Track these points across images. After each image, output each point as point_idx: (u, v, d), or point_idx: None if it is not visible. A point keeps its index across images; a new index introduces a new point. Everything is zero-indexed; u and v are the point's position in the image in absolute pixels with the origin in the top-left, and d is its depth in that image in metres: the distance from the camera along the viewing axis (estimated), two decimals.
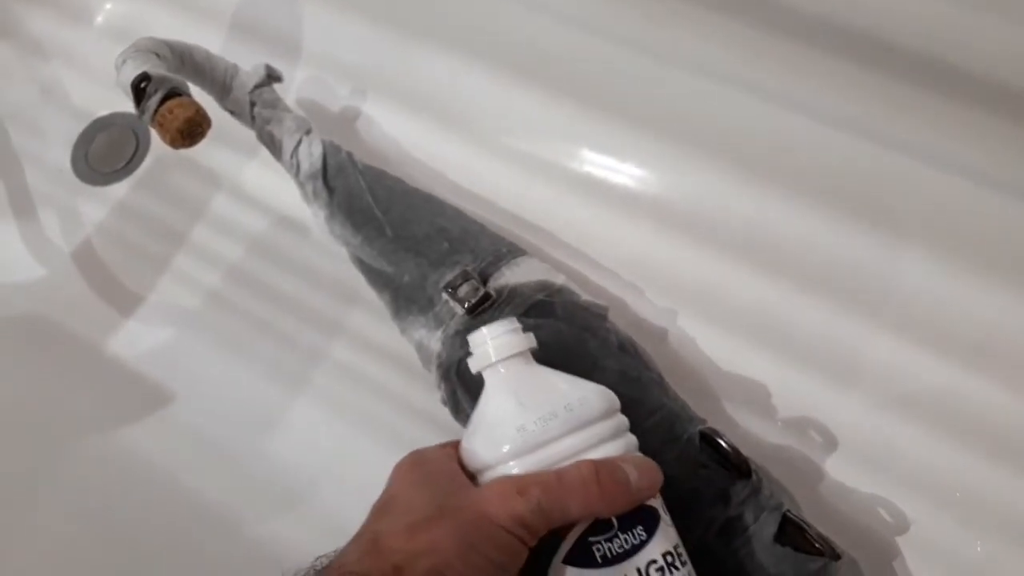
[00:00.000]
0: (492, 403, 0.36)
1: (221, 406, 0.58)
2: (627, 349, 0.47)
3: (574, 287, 0.49)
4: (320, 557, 0.31)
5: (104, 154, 0.69)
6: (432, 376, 0.49)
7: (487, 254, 0.48)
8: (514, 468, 0.33)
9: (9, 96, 0.72)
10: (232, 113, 0.56)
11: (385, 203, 0.51)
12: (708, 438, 0.43)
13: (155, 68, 0.49)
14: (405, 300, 0.49)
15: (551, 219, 0.60)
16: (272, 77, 0.56)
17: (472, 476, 0.34)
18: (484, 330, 0.37)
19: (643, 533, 0.33)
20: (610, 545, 0.32)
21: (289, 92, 0.64)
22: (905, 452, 0.49)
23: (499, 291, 0.46)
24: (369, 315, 0.58)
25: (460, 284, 0.46)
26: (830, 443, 0.51)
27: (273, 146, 0.55)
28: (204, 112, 0.49)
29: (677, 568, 0.33)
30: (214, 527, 0.55)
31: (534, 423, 0.33)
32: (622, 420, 0.36)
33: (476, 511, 0.31)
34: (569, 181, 0.61)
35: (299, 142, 0.54)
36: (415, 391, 0.56)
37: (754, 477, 0.42)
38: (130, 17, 0.70)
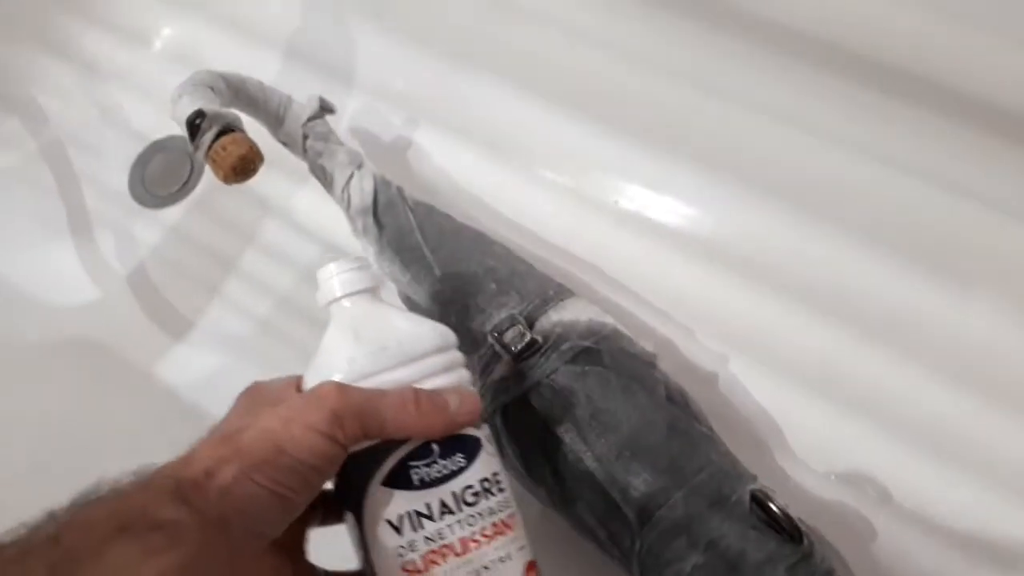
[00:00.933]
0: (331, 336, 0.37)
1: None
2: (676, 400, 0.45)
3: (623, 331, 0.48)
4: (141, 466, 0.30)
5: (160, 177, 0.70)
6: None
7: (534, 296, 0.48)
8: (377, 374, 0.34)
9: (70, 117, 0.74)
10: (285, 144, 0.57)
11: (434, 241, 0.51)
12: (759, 500, 0.41)
13: (210, 104, 0.49)
14: None
15: (601, 255, 0.59)
16: (325, 109, 0.56)
17: None
18: (332, 265, 0.37)
19: (463, 460, 0.34)
20: (428, 470, 0.33)
21: (342, 120, 0.64)
22: (971, 516, 0.47)
23: (546, 336, 0.45)
24: None
25: (507, 329, 0.46)
26: (887, 501, 0.49)
27: (325, 179, 0.55)
28: (257, 149, 0.49)
29: (493, 494, 0.35)
30: None
31: (364, 355, 0.34)
32: (455, 356, 0.38)
33: (289, 414, 0.31)
34: (621, 217, 0.60)
35: (351, 176, 0.54)
36: None
37: (805, 542, 0.40)
38: (187, 42, 0.71)
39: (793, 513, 0.41)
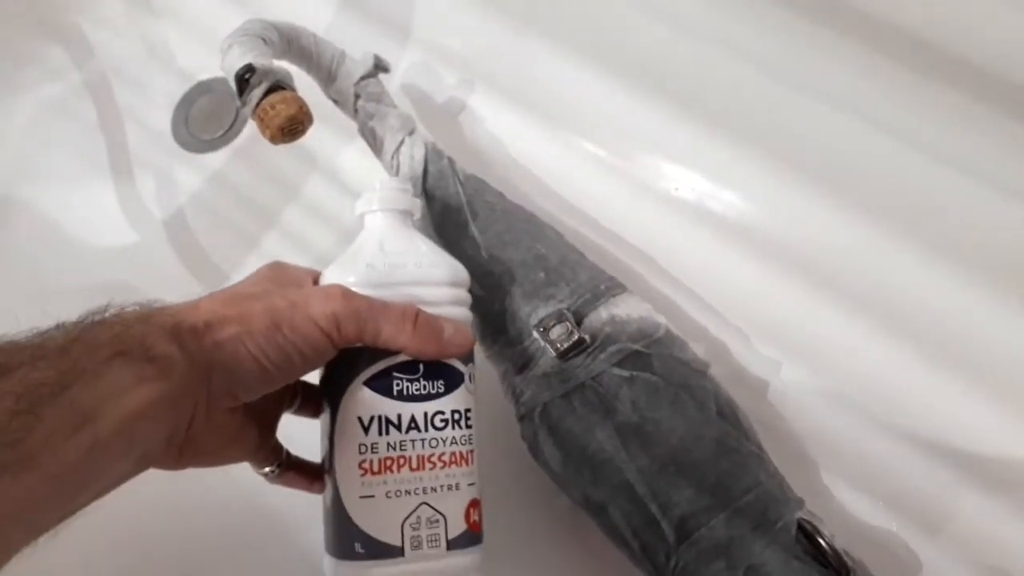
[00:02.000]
0: (358, 242, 0.39)
1: None
2: (726, 414, 0.43)
3: (675, 333, 0.46)
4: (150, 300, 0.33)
5: (204, 120, 0.68)
6: (511, 409, 0.47)
7: (585, 290, 0.45)
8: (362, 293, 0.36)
9: (115, 50, 0.71)
10: (335, 102, 0.54)
11: (483, 220, 0.48)
12: (806, 531, 0.39)
13: (260, 57, 0.47)
14: (494, 328, 0.46)
15: (655, 244, 0.56)
16: (379, 68, 0.54)
17: None
18: (377, 182, 0.40)
19: (442, 387, 0.37)
20: (409, 384, 0.36)
21: (394, 76, 0.61)
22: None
23: (594, 335, 0.43)
24: None
25: (553, 325, 0.43)
26: (938, 532, 0.47)
27: (374, 143, 0.52)
28: (307, 108, 0.46)
29: (460, 426, 0.37)
30: (271, 523, 0.54)
31: (382, 265, 0.37)
32: (463, 295, 0.40)
33: (296, 300, 0.33)
34: (679, 206, 0.56)
35: (401, 142, 0.51)
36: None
37: None
38: None
39: (839, 545, 0.39)
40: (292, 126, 0.46)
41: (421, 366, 0.36)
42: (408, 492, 0.36)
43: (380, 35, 0.65)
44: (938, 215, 0.49)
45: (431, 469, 0.36)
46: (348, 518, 0.35)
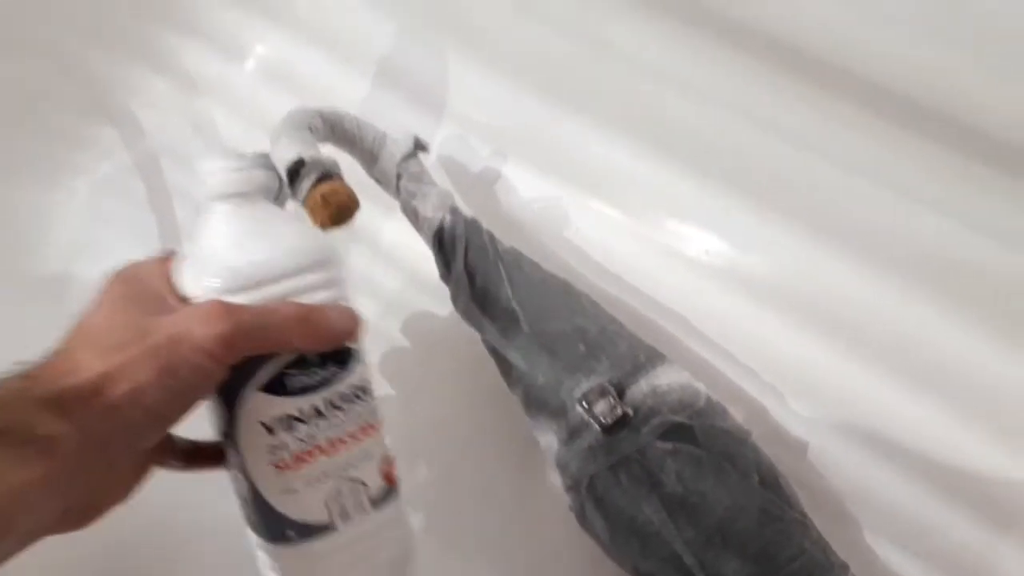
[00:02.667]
0: (212, 234, 0.37)
1: None
2: (769, 482, 0.44)
3: (715, 401, 0.47)
4: (17, 363, 0.31)
5: None
6: (558, 479, 0.48)
7: (625, 361, 0.47)
8: (228, 300, 0.34)
9: (163, 130, 0.75)
10: (378, 182, 0.56)
11: (522, 293, 0.50)
12: None
13: (309, 148, 0.49)
14: (537, 401, 0.48)
15: (688, 307, 0.57)
16: (419, 147, 0.56)
17: (183, 299, 0.35)
18: (221, 161, 0.37)
19: (336, 368, 0.37)
20: (304, 378, 0.36)
21: (430, 149, 0.64)
22: None
23: (636, 408, 0.45)
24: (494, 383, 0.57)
25: (597, 399, 0.45)
26: None
27: (416, 221, 0.55)
28: (354, 196, 0.49)
29: (361, 399, 0.38)
30: None
31: (247, 265, 0.35)
32: (335, 273, 0.39)
33: (176, 331, 0.32)
34: (710, 268, 0.58)
35: (442, 220, 0.53)
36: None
37: None
38: (279, 61, 0.71)
39: None
40: (341, 214, 0.48)
41: (312, 356, 0.36)
42: (326, 474, 0.37)
43: (414, 108, 0.68)
44: (965, 273, 0.50)
45: (343, 448, 0.37)
46: (272, 509, 0.36)
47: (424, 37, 0.68)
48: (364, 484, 0.38)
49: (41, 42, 0.72)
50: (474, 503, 0.59)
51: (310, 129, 0.52)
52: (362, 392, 0.38)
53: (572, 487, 0.46)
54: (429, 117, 0.68)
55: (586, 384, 0.46)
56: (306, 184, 0.48)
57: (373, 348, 0.62)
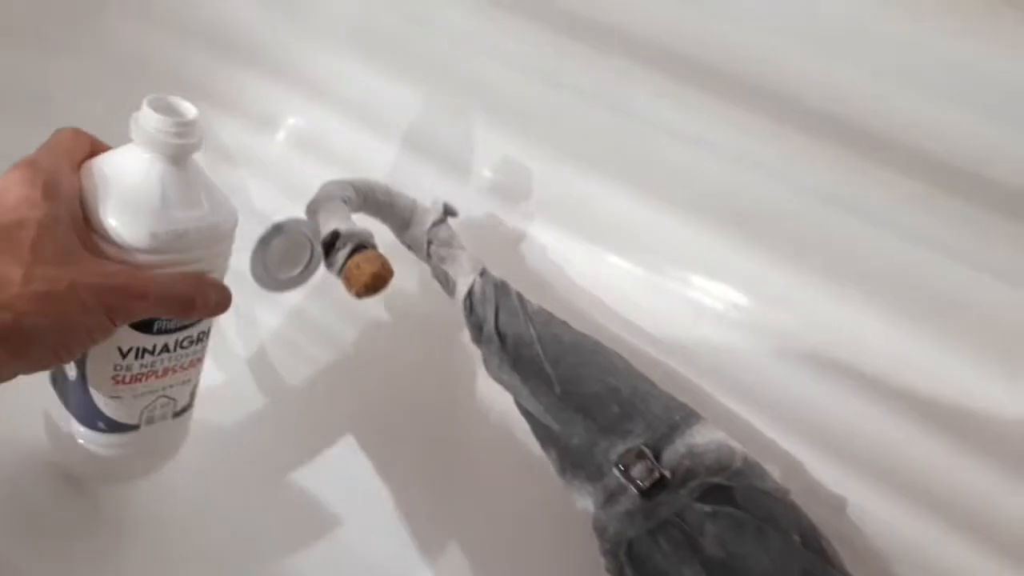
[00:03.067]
0: (141, 185, 0.37)
1: (386, 533, 0.59)
2: (810, 543, 0.44)
3: (752, 461, 0.47)
4: None
5: (280, 260, 0.72)
6: (595, 542, 0.48)
7: (660, 423, 0.47)
8: (139, 258, 0.37)
9: None
10: (409, 248, 0.58)
11: (554, 355, 0.51)
12: None
13: (343, 221, 0.51)
14: (572, 463, 0.48)
15: (719, 362, 0.58)
16: (448, 213, 0.57)
17: (95, 232, 0.37)
18: (162, 118, 0.37)
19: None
20: (167, 323, 0.40)
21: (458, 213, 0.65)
22: None
23: (674, 470, 0.45)
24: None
25: (634, 462, 0.45)
26: None
27: (447, 285, 0.56)
28: (388, 266, 0.50)
29: (201, 341, 0.43)
30: None
31: (166, 233, 0.37)
32: (229, 246, 0.42)
33: (87, 299, 0.34)
34: (742, 326, 0.58)
35: (472, 284, 0.54)
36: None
37: None
38: (310, 131, 0.74)
39: None
40: (375, 282, 0.50)
41: None
42: (151, 392, 0.43)
43: (442, 172, 0.69)
44: (1003, 327, 0.50)
45: (172, 375, 0.43)
46: (94, 405, 0.42)
47: (449, 104, 0.70)
48: (175, 400, 0.45)
49: (67, 119, 0.74)
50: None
51: (344, 201, 0.53)
52: (204, 335, 0.43)
53: (610, 551, 0.46)
54: (455, 180, 0.69)
55: (622, 446, 0.46)
56: (341, 255, 0.50)
57: (411, 414, 0.64)
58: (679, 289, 0.60)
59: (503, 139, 0.68)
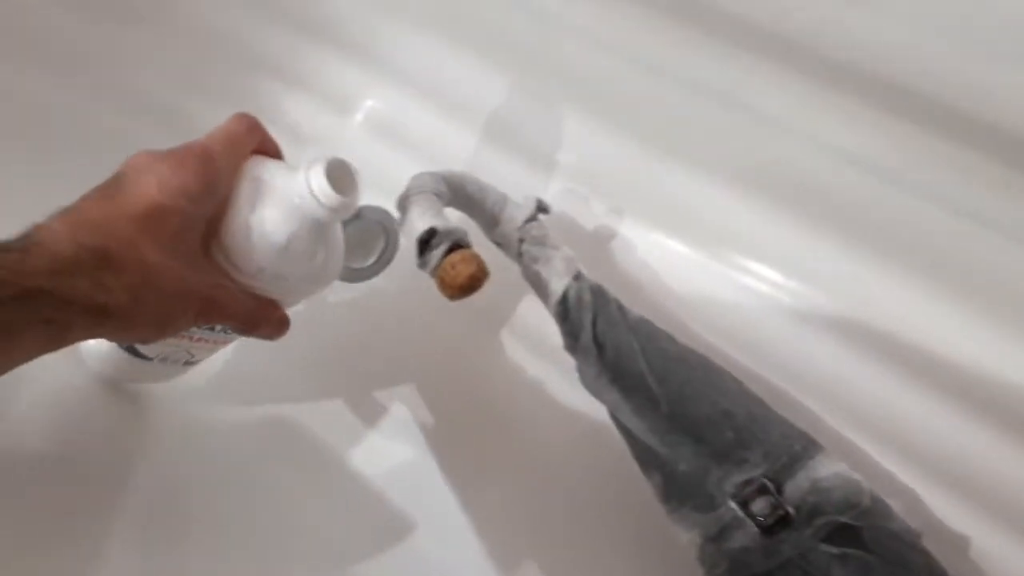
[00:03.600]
0: (276, 225, 0.38)
1: (459, 542, 0.56)
2: None
3: (880, 499, 0.43)
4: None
5: (353, 248, 0.69)
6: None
7: (780, 452, 0.43)
8: (233, 274, 0.38)
9: None
10: (498, 245, 0.54)
11: (660, 371, 0.47)
12: None
13: (438, 216, 0.48)
14: (679, 490, 0.45)
15: (830, 380, 0.53)
16: (541, 210, 0.54)
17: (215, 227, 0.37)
18: (329, 193, 0.37)
19: None
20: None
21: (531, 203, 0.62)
22: None
23: (798, 506, 0.41)
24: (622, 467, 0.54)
25: (755, 496, 0.41)
26: None
27: (539, 287, 0.52)
28: (484, 266, 0.47)
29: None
30: None
31: (271, 274, 0.38)
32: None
33: (200, 301, 0.36)
34: (848, 332, 0.54)
35: (567, 288, 0.50)
36: None
37: None
38: (389, 115, 0.70)
39: None
40: (471, 284, 0.46)
41: None
42: (179, 347, 0.45)
43: (525, 163, 0.66)
44: None
45: (204, 344, 0.45)
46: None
47: (536, 91, 0.66)
48: (193, 357, 0.48)
49: (137, 90, 0.71)
50: None
51: (437, 195, 0.50)
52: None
53: None
54: (540, 172, 0.66)
55: (738, 476, 0.42)
56: (437, 254, 0.47)
57: (482, 417, 0.61)
58: (787, 300, 0.56)
59: (594, 129, 0.64)
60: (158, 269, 0.33)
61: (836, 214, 0.54)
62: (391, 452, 0.60)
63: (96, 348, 0.48)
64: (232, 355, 0.60)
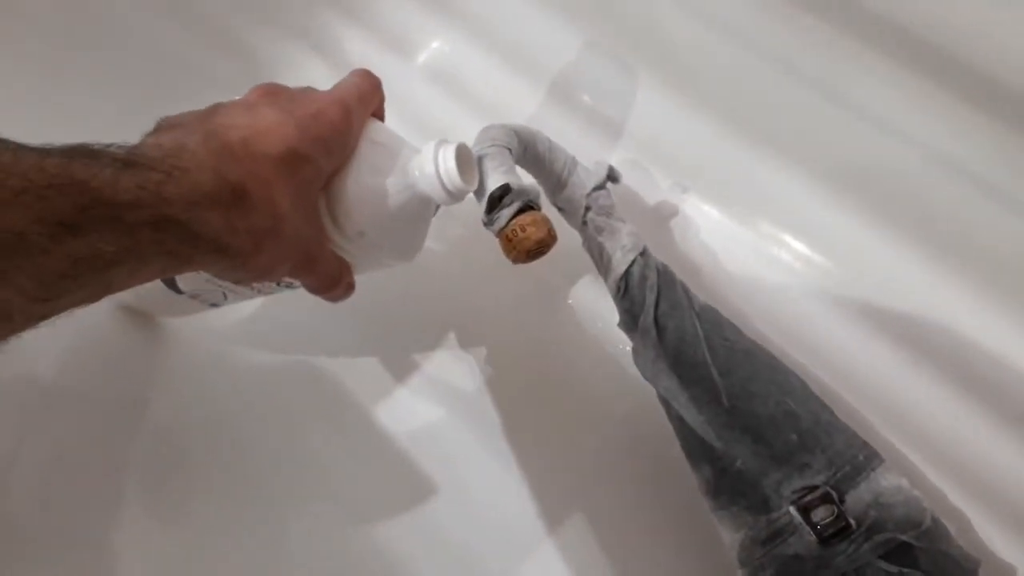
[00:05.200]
0: (388, 195, 0.38)
1: (480, 518, 0.54)
2: None
3: (940, 521, 0.41)
4: None
5: None
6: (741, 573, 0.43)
7: (843, 460, 0.41)
8: (329, 232, 0.37)
9: None
10: (561, 211, 0.52)
11: (723, 362, 0.45)
12: None
13: (511, 172, 0.45)
14: (731, 488, 0.43)
15: (884, 384, 0.52)
16: (611, 178, 0.51)
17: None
18: (456, 179, 0.37)
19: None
20: None
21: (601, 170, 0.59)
22: None
23: (859, 519, 0.39)
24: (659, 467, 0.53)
25: (817, 504, 0.40)
26: None
27: (600, 260, 0.50)
28: (554, 232, 0.44)
29: (289, 290, 0.42)
30: None
31: (368, 241, 0.37)
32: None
33: (306, 258, 0.35)
34: (915, 342, 0.52)
35: (632, 263, 0.48)
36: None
37: None
38: (452, 59, 0.67)
39: None
40: (539, 249, 0.44)
41: None
42: (218, 287, 0.42)
43: (588, 127, 0.63)
44: None
45: (244, 289, 0.42)
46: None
47: (613, 53, 0.63)
48: (226, 299, 0.46)
49: (206, 17, 0.69)
50: None
51: (509, 150, 0.47)
52: (290, 287, 0.42)
53: None
54: (604, 138, 0.63)
55: (799, 481, 0.41)
56: (507, 213, 0.44)
57: (533, 391, 0.59)
58: (856, 304, 0.53)
59: (667, 102, 0.61)
60: (285, 217, 0.32)
61: (925, 225, 0.52)
62: (422, 412, 0.58)
63: None
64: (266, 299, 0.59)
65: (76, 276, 0.25)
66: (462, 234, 0.63)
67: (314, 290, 0.39)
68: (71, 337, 0.48)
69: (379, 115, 0.41)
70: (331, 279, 0.38)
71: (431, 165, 0.37)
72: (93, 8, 0.63)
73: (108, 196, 0.25)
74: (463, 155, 0.38)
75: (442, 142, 0.38)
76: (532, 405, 0.57)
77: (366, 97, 0.38)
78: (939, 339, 0.52)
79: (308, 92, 0.35)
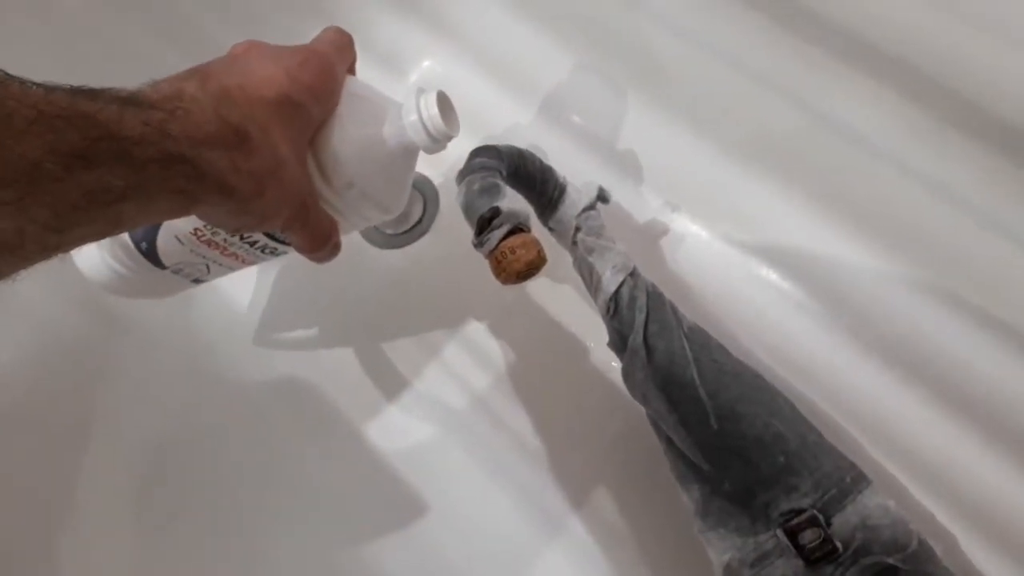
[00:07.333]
0: (375, 144, 0.38)
1: (470, 535, 0.55)
2: None
3: (925, 540, 0.41)
4: None
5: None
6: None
7: (830, 483, 0.41)
8: (319, 186, 0.37)
9: None
10: (551, 231, 0.52)
11: (712, 383, 0.45)
12: None
13: (503, 198, 0.45)
14: (719, 509, 0.43)
15: (871, 404, 0.52)
16: (601, 199, 0.52)
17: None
18: (440, 125, 0.38)
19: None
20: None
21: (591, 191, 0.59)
22: None
23: (845, 542, 0.39)
24: (650, 473, 0.53)
25: (804, 527, 0.40)
26: None
27: (590, 280, 0.50)
28: (544, 253, 0.45)
29: (267, 253, 0.43)
30: None
31: (357, 192, 0.37)
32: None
33: (298, 208, 0.34)
34: (903, 363, 0.52)
35: (622, 283, 0.48)
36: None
37: None
38: (445, 79, 0.68)
39: None
40: (528, 271, 0.44)
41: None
42: (203, 257, 0.42)
43: (577, 146, 0.63)
44: None
45: (231, 259, 0.43)
46: (156, 231, 0.41)
47: (603, 73, 0.63)
48: (209, 274, 0.46)
49: (190, 27, 0.69)
50: None
51: (499, 173, 0.48)
52: (277, 256, 0.44)
53: None
54: (594, 157, 0.63)
55: (786, 503, 0.41)
56: (496, 235, 0.44)
57: (510, 400, 0.59)
58: (845, 328, 0.54)
59: (657, 122, 0.61)
60: (284, 162, 0.32)
61: (916, 246, 0.52)
62: (411, 429, 0.58)
63: (102, 252, 0.45)
64: (256, 300, 0.59)
65: (87, 208, 0.25)
66: (451, 252, 0.63)
67: (303, 248, 0.38)
68: (40, 351, 0.48)
69: (352, 71, 0.41)
70: (323, 235, 0.38)
71: (414, 113, 0.38)
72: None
73: (115, 131, 0.25)
74: (444, 101, 0.39)
75: (422, 90, 0.39)
76: (522, 423, 0.57)
77: (344, 50, 0.38)
78: (928, 359, 0.52)
79: (289, 46, 0.36)
